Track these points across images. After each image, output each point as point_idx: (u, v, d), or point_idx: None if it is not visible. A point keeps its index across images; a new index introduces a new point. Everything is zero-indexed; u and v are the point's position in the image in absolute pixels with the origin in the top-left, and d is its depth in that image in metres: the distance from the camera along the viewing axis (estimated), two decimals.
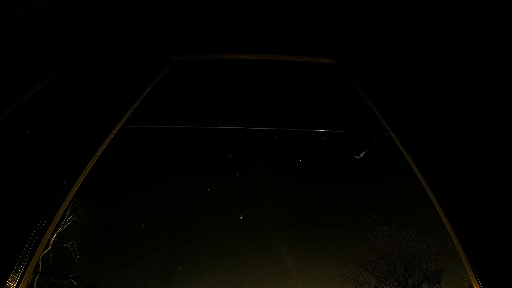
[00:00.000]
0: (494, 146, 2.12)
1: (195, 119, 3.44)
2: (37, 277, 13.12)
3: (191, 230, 18.14)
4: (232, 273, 17.24)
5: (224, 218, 18.71)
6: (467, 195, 1.99)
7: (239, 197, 19.02)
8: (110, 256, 17.13)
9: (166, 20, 2.80)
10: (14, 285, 1.80)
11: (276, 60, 2.94)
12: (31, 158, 2.14)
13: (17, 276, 1.81)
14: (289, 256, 17.07)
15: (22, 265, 1.83)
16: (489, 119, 2.22)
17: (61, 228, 13.88)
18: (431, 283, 15.07)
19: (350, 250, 16.97)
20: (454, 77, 2.43)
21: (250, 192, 19.10)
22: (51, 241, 13.42)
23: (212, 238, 17.93)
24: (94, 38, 2.71)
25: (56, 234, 13.71)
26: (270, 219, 18.21)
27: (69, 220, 14.24)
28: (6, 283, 1.77)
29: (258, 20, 2.78)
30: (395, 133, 2.32)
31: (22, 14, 2.27)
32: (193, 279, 16.87)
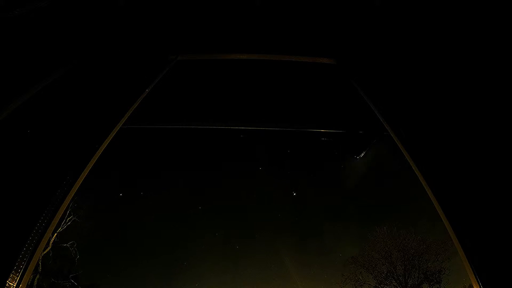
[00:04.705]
0: (494, 146, 2.12)
1: (195, 119, 3.44)
2: (37, 277, 13.12)
3: (191, 230, 18.15)
4: (232, 273, 17.26)
5: (224, 218, 18.74)
6: (467, 195, 1.99)
7: (239, 197, 19.03)
8: (110, 256, 17.14)
9: (166, 20, 2.80)
10: (14, 285, 1.80)
11: (276, 60, 2.94)
12: (31, 158, 2.15)
13: (17, 276, 1.81)
14: (289, 256, 17.08)
15: (22, 265, 1.83)
16: (488, 119, 2.21)
17: (61, 228, 13.89)
18: (431, 283, 15.07)
19: (350, 250, 16.98)
20: (453, 77, 2.43)
21: (251, 192, 19.13)
22: (51, 241, 13.42)
23: (212, 238, 17.95)
24: (94, 38, 2.71)
25: (56, 234, 13.71)
26: (270, 219, 18.23)
27: (69, 220, 14.25)
28: (6, 283, 1.77)
29: (258, 20, 2.78)
30: (395, 133, 2.32)
31: (22, 14, 2.27)
32: (193, 279, 16.88)
